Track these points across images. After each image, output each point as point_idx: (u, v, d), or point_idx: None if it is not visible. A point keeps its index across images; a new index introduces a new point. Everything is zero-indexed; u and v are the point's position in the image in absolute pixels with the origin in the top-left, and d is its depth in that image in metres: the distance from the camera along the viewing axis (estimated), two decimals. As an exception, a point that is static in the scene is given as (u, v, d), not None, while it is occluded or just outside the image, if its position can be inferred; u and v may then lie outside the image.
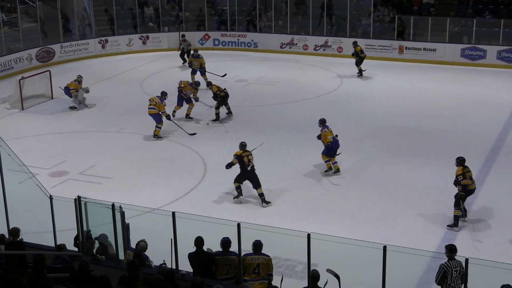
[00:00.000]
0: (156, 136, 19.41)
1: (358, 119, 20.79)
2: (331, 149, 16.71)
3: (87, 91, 22.57)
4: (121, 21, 31.47)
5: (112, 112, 22.01)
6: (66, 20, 30.23)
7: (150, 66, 28.25)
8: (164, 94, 19.94)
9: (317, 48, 29.75)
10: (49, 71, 23.93)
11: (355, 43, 25.56)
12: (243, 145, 15.37)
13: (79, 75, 22.70)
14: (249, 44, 30.90)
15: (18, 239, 10.54)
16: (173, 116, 20.40)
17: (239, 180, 15.34)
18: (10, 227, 11.37)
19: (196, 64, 24.50)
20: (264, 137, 19.32)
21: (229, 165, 15.44)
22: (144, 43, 30.86)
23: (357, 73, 25.66)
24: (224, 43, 31.10)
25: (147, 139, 19.48)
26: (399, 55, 28.27)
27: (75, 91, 22.22)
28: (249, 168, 15.20)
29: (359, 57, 25.34)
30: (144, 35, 30.87)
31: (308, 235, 9.60)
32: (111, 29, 31.19)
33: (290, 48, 30.19)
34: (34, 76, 23.52)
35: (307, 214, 14.61)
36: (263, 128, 20.20)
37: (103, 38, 30.39)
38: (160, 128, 19.44)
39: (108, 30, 31.26)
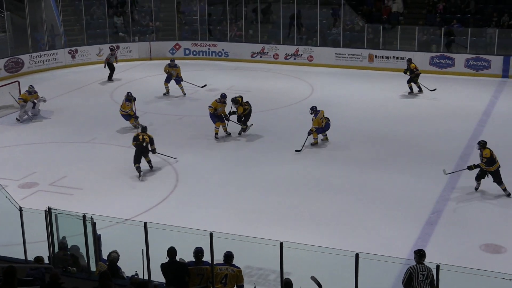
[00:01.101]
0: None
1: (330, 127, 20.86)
2: (321, 129, 18.88)
3: (44, 100, 22.34)
4: (91, 31, 31.29)
5: (83, 122, 21.84)
6: (35, 30, 29.97)
7: (120, 75, 28.08)
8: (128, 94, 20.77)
9: (288, 57, 29.87)
10: (18, 81, 23.72)
11: (409, 60, 24.42)
12: None
13: (31, 85, 22.45)
14: (220, 54, 30.92)
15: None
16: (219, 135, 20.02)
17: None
18: (-21, 240, 11.22)
19: (174, 74, 24.44)
20: (237, 145, 19.40)
21: None
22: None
23: (408, 91, 24.53)
24: (195, 53, 31.10)
25: (118, 150, 19.37)
26: (369, 64, 28.50)
27: (22, 101, 21.96)
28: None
29: (414, 74, 24.27)
30: (114, 44, 30.68)
31: (281, 244, 9.62)
32: (81, 39, 31.00)
33: (261, 57, 30.27)
34: (3, 86, 23.28)
35: (281, 222, 14.61)
36: (232, 137, 20.21)
37: (72, 48, 30.20)
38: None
39: (78, 40, 31.07)
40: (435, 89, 24.16)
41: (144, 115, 22.21)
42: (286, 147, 19.18)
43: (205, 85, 24.84)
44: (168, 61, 25.30)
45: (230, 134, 20.11)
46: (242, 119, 20.14)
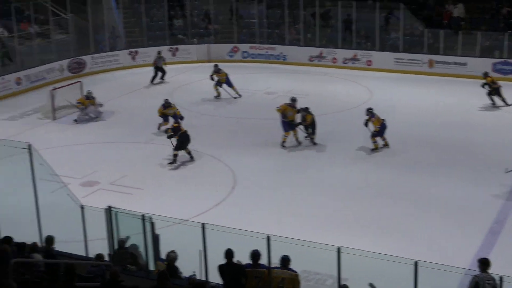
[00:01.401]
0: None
1: (387, 132, 20.63)
2: (379, 132, 18.74)
3: (100, 105, 22.70)
4: (151, 33, 31.70)
5: (142, 123, 22.11)
6: (96, 32, 30.52)
7: (179, 77, 28.38)
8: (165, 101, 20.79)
9: (346, 61, 29.69)
10: (80, 82, 24.17)
11: (485, 74, 23.56)
12: None
13: (89, 91, 22.84)
14: (278, 57, 30.93)
15: (51, 248, 10.62)
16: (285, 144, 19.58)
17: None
18: (43, 236, 11.46)
19: (218, 78, 24.58)
20: (294, 150, 19.36)
21: None
22: (173, 54, 31.01)
23: (491, 103, 23.36)
24: (253, 56, 31.17)
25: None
26: (429, 69, 28.10)
27: (80, 105, 22.37)
28: None
29: (492, 88, 23.32)
30: (173, 47, 31.05)
31: (338, 249, 9.55)
32: (141, 40, 31.44)
33: (319, 61, 30.16)
34: (66, 86, 23.75)
35: (338, 227, 14.53)
36: (293, 140, 20.19)
37: (133, 50, 30.63)
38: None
39: (138, 41, 31.52)
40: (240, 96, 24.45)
41: (201, 116, 22.43)
42: (344, 151, 19.08)
43: (240, 96, 24.82)
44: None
45: (301, 143, 19.70)
46: (309, 129, 19.73)
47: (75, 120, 22.34)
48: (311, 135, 19.67)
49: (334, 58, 29.88)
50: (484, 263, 9.97)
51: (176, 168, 18.19)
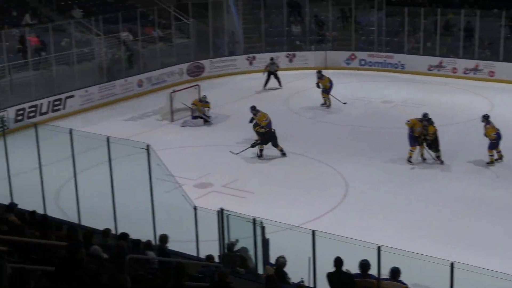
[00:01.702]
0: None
1: (506, 146, 19.89)
2: (495, 143, 18.04)
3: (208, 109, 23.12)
4: (269, 39, 31.99)
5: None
6: (216, 36, 31.15)
7: (296, 84, 28.49)
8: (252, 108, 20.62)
9: (467, 72, 28.82)
10: (198, 85, 24.71)
11: None
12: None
13: (204, 95, 23.34)
14: (396, 65, 30.43)
15: (165, 246, 10.91)
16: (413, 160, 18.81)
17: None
18: (157, 234, 11.78)
19: (321, 86, 24.41)
20: (404, 159, 18.97)
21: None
22: (290, 61, 31.18)
23: None
24: (370, 64, 30.82)
25: (290, 156, 19.61)
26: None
27: (194, 106, 22.83)
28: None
29: None
30: (291, 53, 31.21)
31: (452, 264, 9.26)
32: (259, 46, 31.81)
33: (438, 70, 29.44)
34: (184, 89, 24.34)
35: (450, 241, 14.12)
36: (404, 150, 19.79)
37: (251, 55, 31.03)
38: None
39: (256, 47, 31.90)
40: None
41: (316, 123, 22.44)
42: (460, 164, 18.56)
43: (346, 103, 24.46)
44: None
45: (425, 159, 19.02)
46: (430, 143, 18.81)
47: (182, 125, 22.83)
48: (436, 154, 18.73)
49: (455, 68, 29.09)
50: None
51: (288, 174, 18.24)
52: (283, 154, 19.44)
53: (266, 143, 19.54)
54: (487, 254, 13.57)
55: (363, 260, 10.24)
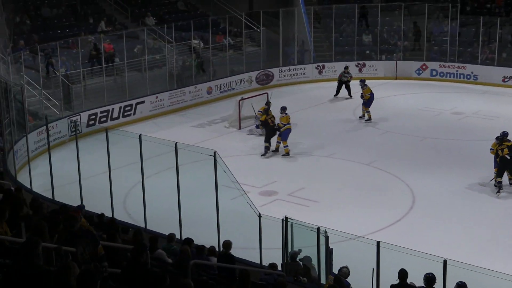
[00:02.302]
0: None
1: None
2: None
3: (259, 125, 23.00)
4: (339, 48, 31.88)
5: (324, 136, 22.24)
6: (286, 45, 31.21)
7: (364, 93, 28.25)
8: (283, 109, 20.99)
9: (543, 84, 28.06)
10: (267, 93, 24.78)
11: None
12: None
13: (268, 101, 22.80)
14: (468, 76, 29.85)
15: (229, 252, 10.98)
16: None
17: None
18: (220, 240, 11.87)
19: (363, 96, 24.00)
20: (473, 173, 18.56)
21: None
22: (360, 70, 30.96)
23: None
24: (441, 74, 30.32)
25: (356, 166, 19.49)
26: None
27: (260, 113, 22.38)
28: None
29: None
30: (360, 62, 31.01)
31: (520, 281, 9.03)
32: (329, 55, 31.73)
33: (513, 82, 28.76)
34: (253, 97, 24.47)
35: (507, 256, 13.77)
36: (473, 163, 19.40)
37: (320, 64, 30.97)
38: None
39: (326, 56, 31.84)
40: None
41: (385, 133, 22.22)
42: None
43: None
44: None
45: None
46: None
47: (249, 133, 22.90)
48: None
49: (530, 80, 28.35)
50: None
51: (355, 184, 18.11)
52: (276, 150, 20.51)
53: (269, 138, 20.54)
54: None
55: (428, 274, 10.08)
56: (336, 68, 30.74)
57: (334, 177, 18.68)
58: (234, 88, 28.34)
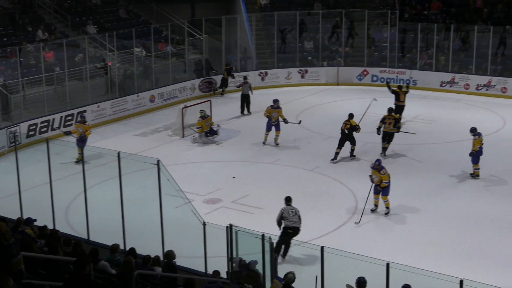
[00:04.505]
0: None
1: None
2: (477, 156, 18.32)
3: (218, 126, 23.07)
4: (282, 55, 32.10)
5: (268, 143, 22.32)
6: (229, 52, 31.27)
7: (307, 99, 28.53)
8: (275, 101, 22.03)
9: (480, 88, 28.76)
10: (210, 101, 24.77)
11: None
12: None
13: (202, 110, 22.90)
14: (407, 81, 30.38)
15: (172, 262, 10.92)
16: None
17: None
18: (165, 250, 11.80)
19: (276, 116, 22.05)
20: (415, 176, 18.95)
21: None
22: (302, 77, 31.26)
23: None
24: (382, 80, 30.77)
25: (300, 172, 19.62)
26: None
27: (201, 130, 22.50)
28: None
29: None
30: (303, 69, 31.29)
31: (461, 282, 9.23)
32: (271, 62, 31.92)
33: (450, 86, 29.40)
34: (196, 105, 24.41)
35: (460, 259, 14.06)
36: (415, 167, 19.79)
37: (262, 71, 31.13)
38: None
39: (268, 63, 32.01)
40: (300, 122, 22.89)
41: (327, 139, 22.44)
42: (471, 181, 18.49)
43: (300, 122, 23.19)
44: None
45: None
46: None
47: (192, 139, 22.84)
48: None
49: (467, 84, 29.04)
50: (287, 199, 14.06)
51: (298, 190, 18.21)
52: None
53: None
54: (500, 271, 13.50)
55: (359, 277, 10.24)
56: (278, 74, 30.99)
57: (278, 184, 18.75)
58: (177, 96, 28.23)
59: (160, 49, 29.44)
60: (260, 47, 32.60)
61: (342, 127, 20.51)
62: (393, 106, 22.80)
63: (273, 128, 21.95)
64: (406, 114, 25.10)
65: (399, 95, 24.15)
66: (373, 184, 16.51)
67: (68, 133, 20.56)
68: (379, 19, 32.67)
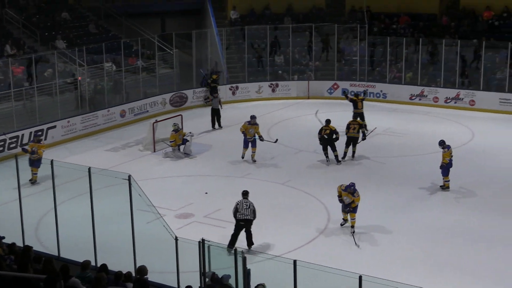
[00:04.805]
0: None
1: (489, 176, 20.09)
2: (446, 169, 18.57)
3: (192, 135, 22.98)
4: (252, 69, 32.19)
5: (239, 157, 22.31)
6: (199, 66, 31.27)
7: (278, 113, 28.62)
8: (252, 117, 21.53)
9: (448, 101, 29.11)
10: (181, 115, 24.71)
11: None
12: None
13: (174, 123, 22.93)
14: (378, 95, 30.70)
15: (144, 278, 10.83)
16: None
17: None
18: (137, 265, 11.70)
19: (253, 132, 21.69)
20: (386, 189, 19.07)
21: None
22: (273, 90, 31.37)
23: None
24: (352, 93, 30.91)
25: (271, 186, 19.64)
26: (537, 110, 27.18)
27: (174, 143, 22.47)
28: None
29: None
30: (273, 82, 31.40)
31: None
32: (242, 76, 31.99)
33: (420, 100, 29.71)
34: (167, 119, 24.34)
35: (433, 271, 14.13)
36: (386, 180, 19.93)
37: (233, 85, 31.18)
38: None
39: (239, 77, 32.08)
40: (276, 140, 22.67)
41: (299, 153, 22.53)
42: (441, 194, 18.66)
43: (277, 140, 22.82)
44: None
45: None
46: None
47: (164, 154, 22.76)
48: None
49: (436, 97, 29.37)
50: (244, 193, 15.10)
51: (271, 204, 18.22)
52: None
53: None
54: (472, 283, 13.62)
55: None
56: (249, 88, 31.06)
57: (250, 198, 18.69)
58: (148, 111, 28.13)
59: (130, 64, 29.35)
60: (231, 61, 32.68)
61: (321, 133, 21.26)
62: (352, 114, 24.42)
63: (250, 144, 21.71)
64: (377, 127, 25.30)
65: (357, 102, 25.01)
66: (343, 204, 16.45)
67: (25, 150, 20.24)
68: (349, 33, 32.96)
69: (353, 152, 21.87)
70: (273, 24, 33.56)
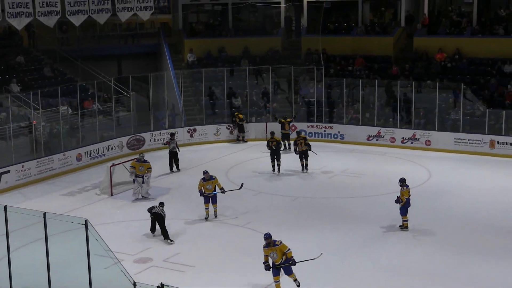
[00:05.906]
0: None
1: (446, 215, 20.26)
2: (405, 208, 18.79)
3: (149, 168, 22.66)
4: (210, 111, 32.19)
5: (197, 200, 22.11)
6: (157, 109, 31.19)
7: (236, 155, 28.57)
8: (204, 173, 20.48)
9: (405, 141, 29.45)
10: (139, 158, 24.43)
11: None
12: None
13: (141, 154, 23.33)
14: (335, 136, 30.92)
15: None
16: None
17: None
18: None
19: (211, 188, 20.41)
20: (346, 228, 19.07)
21: None
22: (231, 132, 31.36)
23: None
24: (310, 134, 31.16)
25: (231, 228, 19.48)
26: (491, 150, 27.58)
27: (132, 168, 22.50)
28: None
29: None
30: (231, 125, 31.39)
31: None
32: (200, 118, 31.95)
33: (377, 140, 30.01)
34: (124, 163, 24.07)
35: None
36: (345, 220, 19.94)
37: (191, 127, 31.10)
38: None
39: (197, 119, 32.03)
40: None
41: (258, 194, 22.46)
42: (401, 233, 18.73)
43: (242, 185, 21.84)
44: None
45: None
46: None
47: (133, 194, 22.49)
48: None
49: (393, 138, 29.69)
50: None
51: (229, 246, 18.05)
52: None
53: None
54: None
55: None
56: (207, 131, 31.01)
57: (209, 241, 18.55)
58: (105, 154, 27.84)
59: (86, 107, 29.10)
60: (188, 104, 32.65)
61: (270, 145, 25.27)
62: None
63: (210, 200, 20.45)
64: (335, 168, 25.48)
65: (284, 124, 29.16)
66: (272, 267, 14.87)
67: None
68: (305, 75, 33.29)
69: (306, 165, 25.00)
70: (230, 66, 33.73)
